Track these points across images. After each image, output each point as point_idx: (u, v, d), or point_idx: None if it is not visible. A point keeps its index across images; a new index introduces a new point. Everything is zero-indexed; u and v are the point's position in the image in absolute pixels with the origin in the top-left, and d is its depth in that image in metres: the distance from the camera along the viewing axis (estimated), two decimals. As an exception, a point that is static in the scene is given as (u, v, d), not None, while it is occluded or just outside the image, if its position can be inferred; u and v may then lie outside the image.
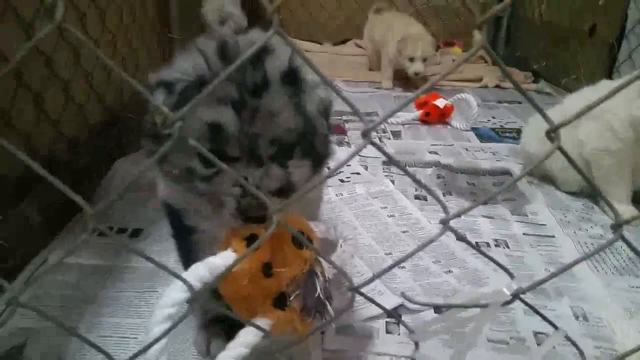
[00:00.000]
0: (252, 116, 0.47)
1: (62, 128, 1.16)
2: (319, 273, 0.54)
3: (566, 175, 1.29)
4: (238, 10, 0.76)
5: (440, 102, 1.78)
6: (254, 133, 0.48)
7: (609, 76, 2.11)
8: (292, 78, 0.50)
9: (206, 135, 0.47)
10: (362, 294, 0.49)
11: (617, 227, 0.44)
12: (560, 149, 0.41)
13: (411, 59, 2.13)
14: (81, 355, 0.72)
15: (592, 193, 1.26)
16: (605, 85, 1.27)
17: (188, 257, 0.73)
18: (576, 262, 0.48)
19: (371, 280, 0.48)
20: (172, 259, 0.94)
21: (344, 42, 2.83)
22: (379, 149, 0.43)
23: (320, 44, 2.80)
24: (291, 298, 0.52)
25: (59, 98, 1.17)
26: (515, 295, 0.48)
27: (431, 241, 0.46)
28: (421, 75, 2.15)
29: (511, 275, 0.49)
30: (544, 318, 0.51)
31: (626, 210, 1.18)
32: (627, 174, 1.17)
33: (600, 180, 1.21)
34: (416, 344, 0.51)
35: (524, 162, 1.43)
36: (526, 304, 0.50)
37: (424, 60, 2.13)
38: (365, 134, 0.41)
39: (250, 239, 0.51)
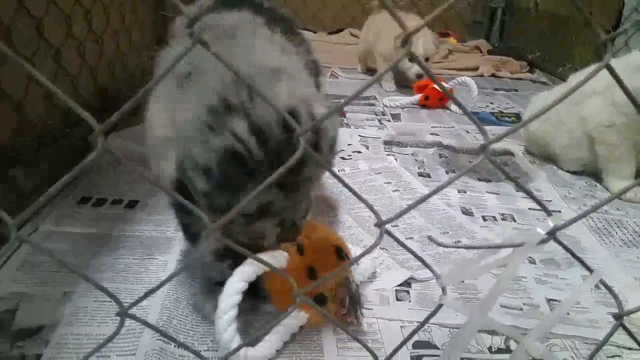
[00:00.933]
0: (295, 188, 0.54)
1: (56, 100, 1.12)
2: (352, 280, 0.68)
3: (568, 153, 1.28)
4: None
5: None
6: (297, 200, 0.56)
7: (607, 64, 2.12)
8: (318, 142, 0.54)
9: (256, 209, 0.54)
10: (390, 234, 0.46)
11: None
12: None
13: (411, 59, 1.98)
14: (76, 319, 0.68)
15: (594, 171, 1.26)
16: (615, 62, 1.26)
17: (188, 227, 0.70)
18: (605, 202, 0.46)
19: (402, 213, 0.45)
20: (171, 228, 0.91)
21: (338, 31, 2.81)
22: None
23: (314, 32, 2.78)
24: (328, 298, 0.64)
25: (51, 67, 1.12)
26: (551, 233, 0.46)
27: (461, 174, 0.43)
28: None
29: (548, 212, 0.47)
30: (581, 262, 0.49)
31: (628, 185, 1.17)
32: (631, 150, 1.16)
33: (604, 157, 1.21)
34: (443, 289, 0.48)
35: (526, 143, 1.42)
36: (561, 243, 0.48)
37: (426, 59, 1.87)
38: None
39: (299, 246, 0.65)
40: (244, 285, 0.61)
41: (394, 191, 1.12)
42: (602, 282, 0.48)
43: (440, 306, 0.48)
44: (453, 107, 1.78)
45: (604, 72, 1.38)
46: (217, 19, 0.68)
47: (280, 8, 0.89)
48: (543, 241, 0.47)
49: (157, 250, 0.84)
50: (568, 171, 1.30)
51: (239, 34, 0.63)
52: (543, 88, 2.20)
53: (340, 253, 0.68)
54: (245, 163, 0.49)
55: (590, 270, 0.49)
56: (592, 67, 0.42)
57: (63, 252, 0.82)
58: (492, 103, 1.89)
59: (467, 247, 0.80)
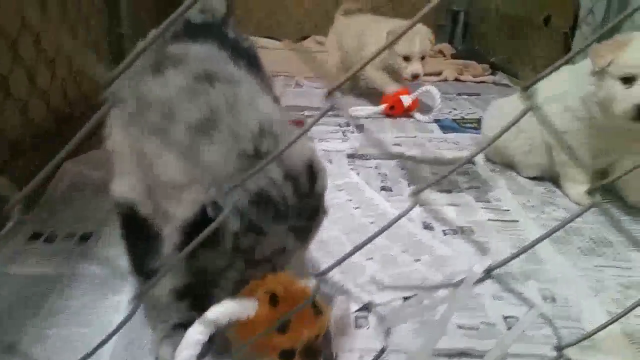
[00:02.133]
0: (306, 235, 0.61)
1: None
2: (327, 330, 0.67)
3: (526, 159, 1.30)
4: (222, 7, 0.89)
5: (406, 99, 1.77)
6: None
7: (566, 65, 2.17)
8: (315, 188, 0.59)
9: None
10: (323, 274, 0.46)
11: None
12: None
13: (406, 58, 1.72)
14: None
15: (553, 175, 1.29)
16: (568, 69, 1.30)
17: (142, 262, 0.69)
18: (543, 238, 0.47)
19: (333, 266, 0.45)
20: (124, 264, 0.89)
21: (304, 38, 2.81)
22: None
23: (280, 40, 2.77)
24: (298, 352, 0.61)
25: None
26: (488, 272, 0.47)
27: (400, 217, 0.43)
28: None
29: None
30: (519, 297, 0.49)
31: (584, 191, 1.20)
32: (587, 156, 1.19)
33: (561, 163, 1.24)
34: (387, 330, 0.48)
35: (486, 150, 1.44)
36: (497, 281, 0.48)
37: (422, 58, 1.75)
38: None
39: (273, 296, 0.60)
40: (206, 335, 0.58)
41: (355, 208, 1.12)
42: (541, 315, 0.49)
43: (383, 350, 0.48)
44: (416, 115, 1.79)
45: (559, 79, 1.41)
46: (185, 51, 0.67)
47: (244, 39, 0.88)
48: (480, 280, 0.47)
49: (110, 290, 0.82)
50: (528, 177, 1.33)
51: (221, 76, 0.63)
52: (505, 90, 2.25)
53: (316, 308, 0.64)
54: (277, 207, 0.54)
55: (531, 306, 0.50)
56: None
57: (9, 298, 0.79)
58: (454, 109, 1.92)
59: (410, 289, 0.79)
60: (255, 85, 0.67)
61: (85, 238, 0.97)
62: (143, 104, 0.62)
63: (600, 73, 1.09)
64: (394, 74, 1.81)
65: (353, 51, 1.90)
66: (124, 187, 0.66)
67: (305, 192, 0.57)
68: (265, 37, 2.72)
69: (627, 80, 1.04)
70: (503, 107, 1.38)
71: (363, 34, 1.83)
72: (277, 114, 0.62)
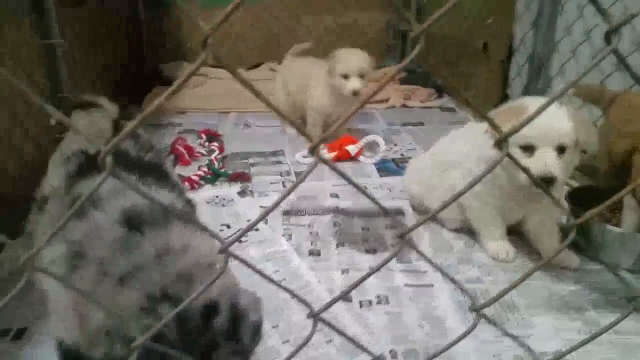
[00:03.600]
0: None
1: None
2: None
3: (446, 213, 1.38)
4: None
5: (352, 149, 1.84)
6: None
7: (503, 91, 2.26)
8: (235, 332, 0.65)
9: None
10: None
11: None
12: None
13: (345, 76, 1.83)
14: None
15: (472, 229, 1.37)
16: (468, 129, 1.37)
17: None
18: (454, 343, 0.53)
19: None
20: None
21: (257, 66, 2.84)
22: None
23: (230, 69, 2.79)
24: None
25: None
26: None
27: (386, 262, 0.51)
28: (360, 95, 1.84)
29: None
30: None
31: (500, 246, 1.29)
32: (495, 214, 1.28)
33: (475, 221, 1.32)
34: None
35: (411, 202, 1.51)
36: None
37: (361, 76, 1.84)
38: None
39: None
40: None
41: (280, 281, 1.19)
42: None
43: None
44: (362, 158, 1.86)
45: (460, 143, 1.49)
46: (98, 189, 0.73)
47: (146, 152, 0.92)
48: None
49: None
50: (450, 229, 1.41)
51: (147, 218, 0.70)
52: (450, 117, 2.33)
53: None
54: (164, 343, 0.60)
55: None
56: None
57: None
58: (395, 145, 1.99)
59: None
60: (182, 228, 0.71)
61: (18, 336, 1.01)
62: (76, 251, 0.69)
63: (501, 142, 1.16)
64: (339, 95, 1.89)
65: (297, 91, 2.03)
66: (61, 329, 0.74)
67: (198, 331, 0.62)
68: (215, 66, 2.74)
69: (527, 149, 1.11)
70: (423, 161, 1.46)
71: (306, 82, 1.97)
72: (202, 251, 0.69)
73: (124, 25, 2.59)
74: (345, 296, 0.60)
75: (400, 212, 1.50)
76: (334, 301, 0.53)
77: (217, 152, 1.81)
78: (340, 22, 2.90)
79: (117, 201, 0.72)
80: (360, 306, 1.11)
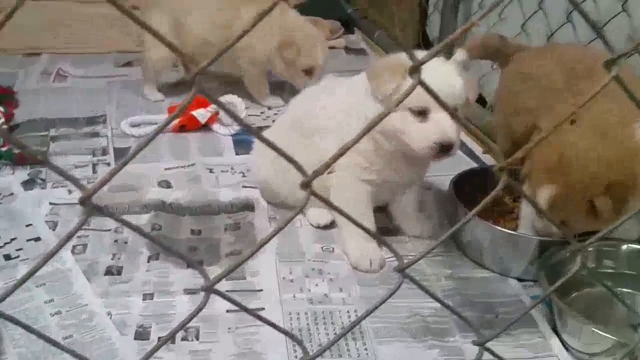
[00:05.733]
0: None
1: None
2: None
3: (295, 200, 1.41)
4: None
5: (202, 115, 1.81)
6: None
7: (422, 29, 2.31)
8: None
9: None
10: None
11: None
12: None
13: (308, 72, 1.89)
14: None
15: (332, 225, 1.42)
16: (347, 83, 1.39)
17: None
18: None
19: None
20: None
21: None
22: None
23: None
24: None
25: None
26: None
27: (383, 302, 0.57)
28: None
29: None
30: None
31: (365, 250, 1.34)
32: (368, 200, 1.34)
33: (339, 204, 1.36)
34: None
35: (261, 193, 1.53)
36: None
37: None
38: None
39: None
40: None
41: (52, 315, 1.17)
42: None
43: None
44: (215, 126, 1.84)
45: (336, 103, 1.51)
46: None
47: None
48: None
49: None
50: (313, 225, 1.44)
51: None
52: (357, 61, 2.34)
53: None
54: None
55: None
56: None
57: None
58: (269, 108, 1.99)
59: None
60: None
61: None
62: None
63: (385, 100, 1.17)
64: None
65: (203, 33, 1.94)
66: None
67: None
68: None
69: (419, 113, 1.15)
70: (273, 132, 1.47)
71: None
72: None
73: None
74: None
75: (248, 206, 1.51)
76: None
77: (0, 119, 1.73)
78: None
79: None
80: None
